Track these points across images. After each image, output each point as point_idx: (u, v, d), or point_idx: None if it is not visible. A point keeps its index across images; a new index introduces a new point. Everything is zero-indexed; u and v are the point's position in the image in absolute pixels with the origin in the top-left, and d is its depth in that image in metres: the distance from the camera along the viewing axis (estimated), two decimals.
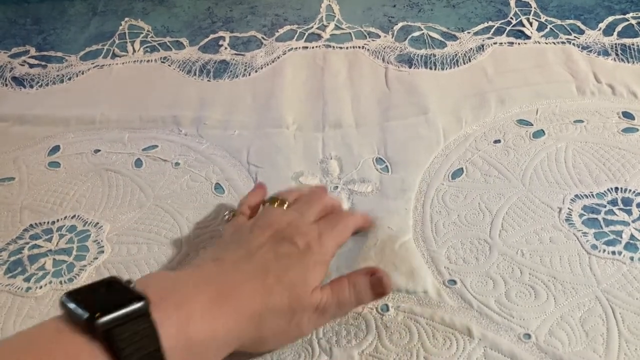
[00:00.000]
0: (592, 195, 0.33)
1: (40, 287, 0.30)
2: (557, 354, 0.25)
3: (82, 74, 0.46)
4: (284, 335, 0.25)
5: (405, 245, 0.31)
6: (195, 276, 0.23)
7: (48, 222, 0.34)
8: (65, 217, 0.34)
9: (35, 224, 0.34)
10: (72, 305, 0.19)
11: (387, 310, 0.28)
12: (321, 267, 0.26)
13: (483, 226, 0.31)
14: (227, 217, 0.30)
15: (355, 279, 0.26)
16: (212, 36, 0.50)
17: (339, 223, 0.28)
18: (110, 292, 0.20)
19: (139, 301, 0.19)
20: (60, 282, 0.30)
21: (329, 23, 0.50)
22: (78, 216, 0.34)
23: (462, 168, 0.35)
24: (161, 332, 0.19)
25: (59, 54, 0.49)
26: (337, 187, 0.35)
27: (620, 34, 0.45)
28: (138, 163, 0.38)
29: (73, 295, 0.20)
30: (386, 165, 0.36)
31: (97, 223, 0.34)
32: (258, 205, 0.30)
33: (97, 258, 0.31)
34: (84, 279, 0.30)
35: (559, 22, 0.47)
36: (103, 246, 0.32)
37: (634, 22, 0.47)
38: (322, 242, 0.26)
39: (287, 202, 0.29)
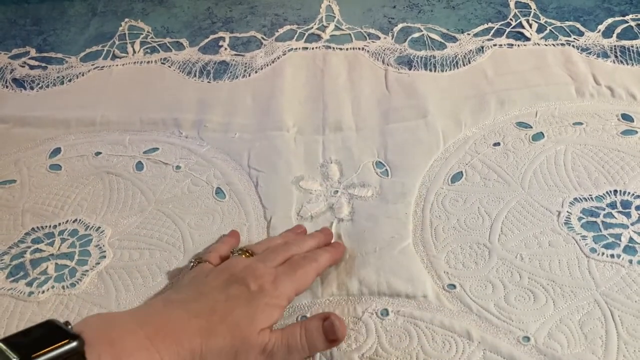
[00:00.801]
0: (591, 198, 0.33)
1: (43, 292, 0.30)
2: (556, 356, 0.26)
3: (82, 75, 0.46)
4: None
5: (405, 250, 0.31)
6: (137, 314, 0.24)
7: (50, 226, 0.34)
8: (67, 220, 0.34)
9: (37, 227, 0.34)
10: (5, 349, 0.20)
11: (387, 314, 0.28)
12: (272, 310, 0.25)
13: (482, 230, 0.32)
14: (192, 264, 0.29)
15: (308, 325, 0.25)
16: (212, 36, 0.50)
17: (298, 269, 0.27)
18: (46, 333, 0.21)
19: (74, 340, 0.20)
20: (63, 287, 0.31)
21: (328, 24, 0.50)
22: (80, 220, 0.34)
23: (461, 172, 0.35)
24: None
25: (59, 55, 0.49)
26: (337, 191, 0.35)
27: (620, 36, 0.45)
28: (139, 166, 0.38)
29: (8, 339, 0.20)
30: (386, 169, 0.36)
31: (99, 227, 0.34)
32: (227, 255, 0.30)
33: (99, 263, 0.32)
34: (86, 284, 0.31)
35: (558, 23, 0.47)
36: (105, 251, 0.32)
37: (633, 24, 0.47)
38: (276, 285, 0.26)
39: (255, 254, 0.29)
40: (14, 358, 0.19)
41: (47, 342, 0.20)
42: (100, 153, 0.39)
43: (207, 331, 0.23)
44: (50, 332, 0.21)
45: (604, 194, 0.33)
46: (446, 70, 0.44)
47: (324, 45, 0.47)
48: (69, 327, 0.21)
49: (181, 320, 0.23)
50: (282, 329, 0.25)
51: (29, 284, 0.31)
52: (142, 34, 0.51)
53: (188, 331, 0.23)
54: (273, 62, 0.46)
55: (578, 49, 0.44)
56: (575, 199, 0.33)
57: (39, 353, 0.19)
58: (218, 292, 0.25)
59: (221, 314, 0.24)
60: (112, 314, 0.24)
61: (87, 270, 0.31)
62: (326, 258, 0.29)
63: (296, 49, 0.47)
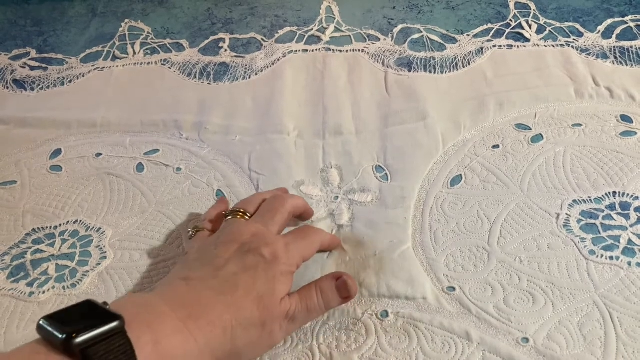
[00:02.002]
0: (590, 200, 0.33)
1: (43, 292, 0.30)
2: (555, 357, 0.26)
3: (83, 76, 0.46)
4: (257, 345, 0.25)
5: (404, 253, 0.31)
6: (165, 297, 0.24)
7: (50, 227, 0.34)
8: (68, 222, 0.34)
9: (38, 228, 0.34)
10: (49, 328, 0.20)
11: (387, 316, 0.28)
12: (287, 278, 0.26)
13: (482, 234, 0.32)
14: (190, 233, 0.30)
15: (322, 285, 0.27)
16: (212, 38, 0.50)
17: (305, 238, 0.28)
18: (86, 313, 0.21)
19: (115, 320, 0.20)
20: (63, 288, 0.31)
21: (328, 25, 0.49)
22: (80, 221, 0.34)
23: (460, 175, 0.35)
24: (137, 350, 0.20)
25: (60, 56, 0.49)
26: (337, 197, 0.35)
27: (619, 37, 0.45)
28: (140, 167, 0.38)
29: (50, 318, 0.20)
30: (386, 174, 0.36)
31: (100, 228, 0.34)
32: (220, 218, 0.30)
33: (99, 264, 0.32)
34: (86, 285, 0.31)
35: (558, 24, 0.47)
36: (106, 252, 0.32)
37: (632, 25, 0.47)
38: (288, 252, 0.26)
39: (248, 214, 0.29)
40: (60, 336, 0.19)
41: (89, 321, 0.20)
42: (100, 154, 0.39)
43: (235, 307, 0.24)
44: (91, 311, 0.21)
45: (603, 195, 0.33)
46: (446, 71, 0.44)
47: (324, 47, 0.47)
48: (107, 307, 0.21)
49: (208, 300, 0.24)
50: (299, 292, 0.26)
51: (30, 285, 0.31)
52: (143, 34, 0.51)
53: (217, 310, 0.23)
54: (273, 64, 0.46)
55: (577, 50, 0.44)
56: (575, 201, 0.33)
57: (83, 332, 0.19)
58: (234, 264, 0.25)
59: (244, 287, 0.24)
60: (142, 296, 0.24)
61: (87, 271, 0.31)
62: (329, 237, 0.30)
63: (296, 51, 0.47)
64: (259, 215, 0.29)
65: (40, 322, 0.20)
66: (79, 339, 0.19)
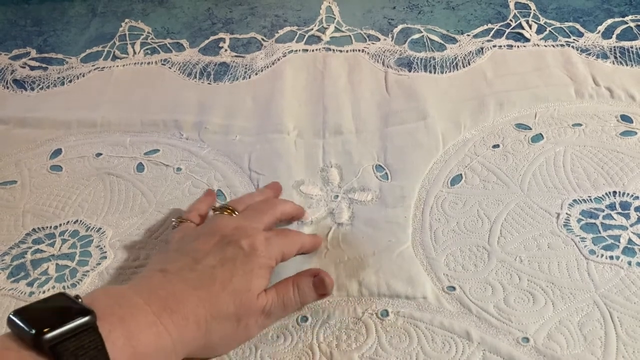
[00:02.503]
0: (590, 199, 0.33)
1: (44, 293, 0.30)
2: (556, 356, 0.26)
3: (83, 76, 0.46)
4: (232, 340, 0.25)
5: (404, 253, 0.31)
6: (139, 289, 0.23)
7: (50, 227, 0.34)
8: (68, 221, 0.34)
9: (38, 228, 0.34)
10: (19, 322, 0.19)
11: (387, 315, 0.28)
12: (265, 272, 0.26)
13: (482, 233, 0.32)
14: (174, 223, 0.30)
15: (299, 281, 0.27)
16: (212, 38, 0.50)
17: (287, 236, 0.28)
18: (57, 307, 0.20)
19: (86, 315, 0.20)
20: (64, 288, 0.31)
21: (328, 25, 0.49)
22: (80, 221, 0.34)
23: (461, 174, 0.35)
24: (108, 345, 0.20)
25: (60, 55, 0.49)
26: (337, 196, 0.35)
27: (619, 37, 0.45)
28: (140, 167, 0.38)
29: (20, 312, 0.20)
30: (386, 173, 0.36)
31: (100, 228, 0.34)
32: (207, 212, 0.30)
33: (99, 264, 0.32)
34: (86, 285, 0.31)
35: (558, 24, 0.47)
36: (106, 252, 0.32)
37: (632, 25, 0.47)
38: (268, 245, 0.26)
39: (236, 212, 0.29)
40: (30, 332, 0.19)
41: (60, 316, 0.20)
42: (101, 154, 0.39)
43: (210, 302, 0.24)
44: (63, 305, 0.20)
45: (603, 195, 0.33)
46: (446, 71, 0.44)
47: (324, 47, 0.47)
48: (79, 300, 0.21)
49: (183, 294, 0.23)
50: (275, 286, 0.26)
51: (30, 284, 0.31)
52: (143, 34, 0.51)
53: (191, 303, 0.23)
54: (273, 63, 0.46)
55: (577, 49, 0.44)
56: (575, 200, 0.33)
57: (53, 328, 0.19)
58: (212, 257, 0.25)
59: (221, 282, 0.24)
60: (116, 289, 0.24)
61: (87, 271, 0.31)
62: (309, 239, 0.30)
63: (296, 50, 0.47)
64: (247, 213, 0.29)
65: (11, 316, 0.20)
66: (49, 335, 0.19)
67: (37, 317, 0.20)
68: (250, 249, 0.26)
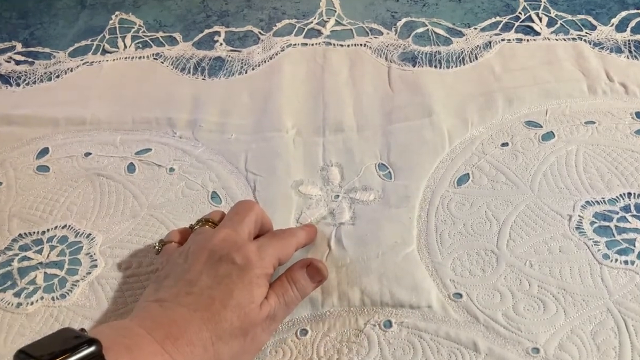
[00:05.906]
0: (604, 201, 0.32)
1: (32, 304, 0.29)
2: None
3: (71, 71, 0.45)
4: (242, 353, 0.25)
5: (408, 256, 0.30)
6: (140, 320, 0.23)
7: (38, 232, 0.33)
8: (56, 226, 0.33)
9: (25, 233, 0.33)
10: (27, 358, 0.20)
11: (390, 326, 0.27)
12: (263, 280, 0.25)
13: (490, 236, 0.31)
14: (157, 248, 0.29)
15: (294, 275, 0.26)
16: (206, 31, 0.48)
17: (280, 239, 0.28)
18: (64, 339, 0.21)
19: (92, 345, 0.20)
20: (52, 299, 0.29)
21: (329, 18, 0.48)
22: (69, 226, 0.33)
23: (468, 173, 0.34)
24: None
25: (47, 49, 0.47)
26: (338, 195, 0.33)
27: (634, 30, 0.44)
28: (131, 168, 0.37)
29: (28, 348, 0.20)
30: (389, 172, 0.35)
31: (90, 234, 0.33)
32: (187, 232, 0.29)
33: (90, 273, 0.30)
34: (77, 296, 0.29)
35: (569, 17, 0.46)
36: (96, 260, 0.31)
37: None
38: (261, 254, 0.26)
39: (215, 222, 0.28)
40: None
41: (66, 349, 0.20)
42: (90, 154, 0.38)
43: (213, 322, 0.23)
44: (68, 338, 0.21)
45: (617, 196, 0.32)
46: (452, 66, 0.42)
47: (324, 41, 0.45)
48: (85, 333, 0.21)
49: (184, 319, 0.23)
50: (272, 288, 0.26)
51: (17, 295, 0.30)
52: (134, 27, 0.49)
53: (194, 327, 0.23)
54: (271, 58, 0.44)
55: (590, 43, 0.43)
56: (587, 202, 0.32)
57: (60, 358, 0.19)
58: (206, 277, 0.25)
59: (220, 299, 0.24)
60: (119, 322, 0.24)
61: (77, 281, 0.30)
62: (303, 234, 0.29)
63: (295, 44, 0.45)
64: (227, 220, 0.28)
65: (19, 352, 0.20)
66: None
67: (46, 350, 0.20)
68: (244, 263, 0.25)
